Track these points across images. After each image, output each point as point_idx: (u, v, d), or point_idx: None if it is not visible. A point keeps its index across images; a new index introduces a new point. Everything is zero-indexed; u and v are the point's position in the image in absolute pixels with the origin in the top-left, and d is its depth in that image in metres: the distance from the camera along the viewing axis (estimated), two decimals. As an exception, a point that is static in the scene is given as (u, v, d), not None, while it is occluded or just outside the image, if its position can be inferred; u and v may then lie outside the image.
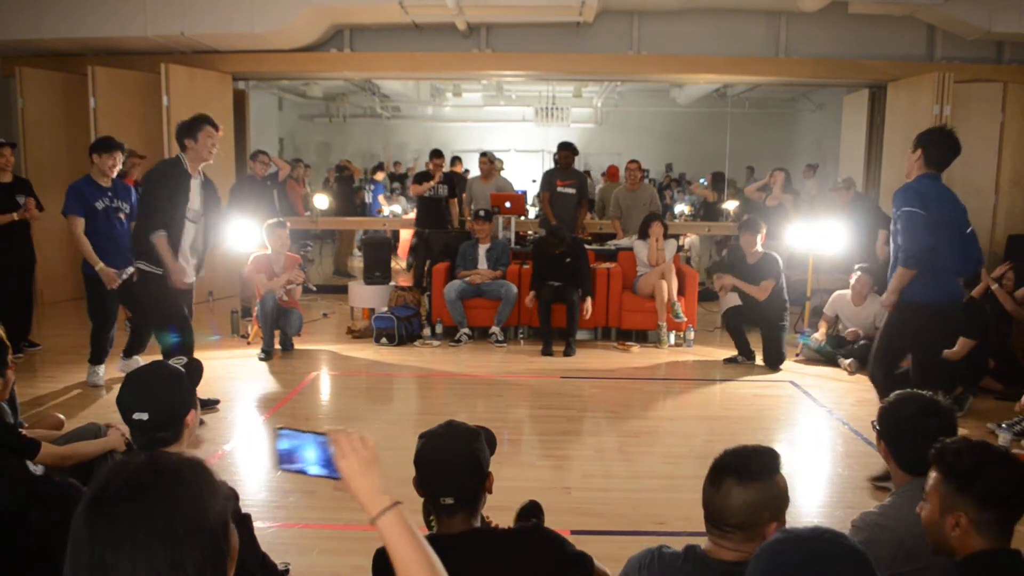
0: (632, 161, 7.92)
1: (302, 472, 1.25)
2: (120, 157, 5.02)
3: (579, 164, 16.00)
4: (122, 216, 5.08)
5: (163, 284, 4.27)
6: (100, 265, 4.89)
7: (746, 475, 1.57)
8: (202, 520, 0.93)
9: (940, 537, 1.62)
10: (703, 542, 1.68)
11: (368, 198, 11.68)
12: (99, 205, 4.97)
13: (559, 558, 1.70)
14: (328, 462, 1.22)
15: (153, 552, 0.89)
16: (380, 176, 12.08)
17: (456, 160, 10.17)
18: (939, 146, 3.65)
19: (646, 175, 9.71)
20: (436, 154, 7.85)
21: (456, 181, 8.36)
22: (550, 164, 14.25)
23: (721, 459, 1.64)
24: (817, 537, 1.17)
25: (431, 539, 1.66)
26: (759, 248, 5.91)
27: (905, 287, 3.59)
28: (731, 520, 1.57)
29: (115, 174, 5.05)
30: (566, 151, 7.59)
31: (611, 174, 10.43)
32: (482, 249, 6.73)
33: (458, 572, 1.57)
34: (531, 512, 2.54)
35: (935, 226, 3.49)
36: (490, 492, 1.72)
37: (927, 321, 3.62)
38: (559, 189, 7.54)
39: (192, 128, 4.27)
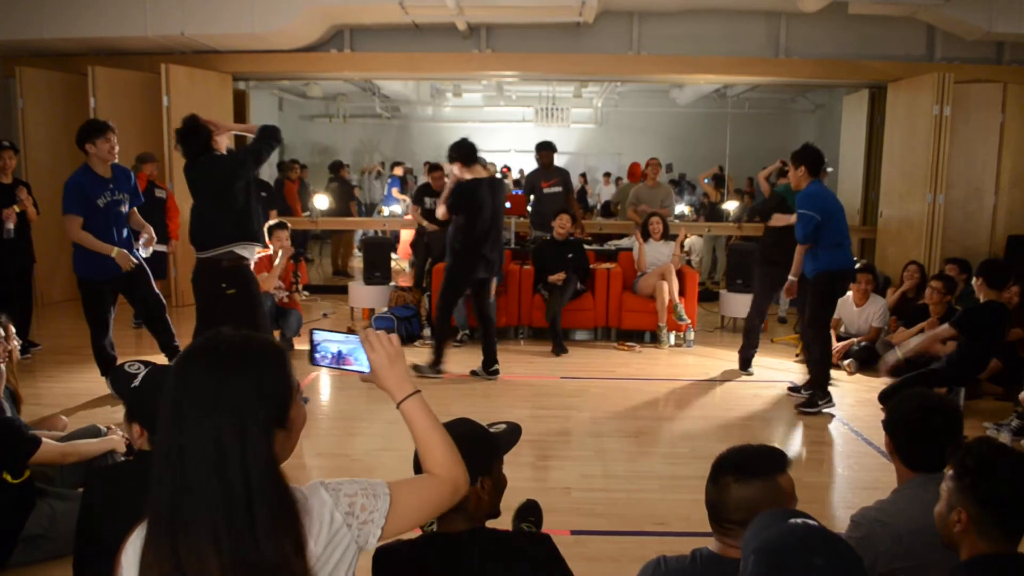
0: (653, 158, 7.94)
1: (331, 367, 1.44)
2: (113, 137, 4.61)
3: (579, 164, 16.18)
4: (122, 209, 4.68)
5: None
6: (115, 250, 4.56)
7: (744, 472, 1.60)
8: (268, 393, 1.15)
9: (946, 531, 1.64)
10: (706, 544, 1.69)
11: (385, 191, 11.70)
12: (101, 202, 4.57)
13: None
14: (356, 358, 1.41)
15: (219, 417, 1.11)
16: (399, 171, 12.05)
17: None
18: (813, 159, 4.78)
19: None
20: (435, 168, 7.79)
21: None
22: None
23: (723, 456, 1.67)
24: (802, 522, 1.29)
25: (428, 537, 1.66)
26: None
27: (811, 263, 4.78)
28: (731, 516, 1.59)
29: (115, 158, 4.63)
30: (546, 150, 7.53)
31: (633, 173, 10.35)
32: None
33: (451, 570, 1.55)
34: (528, 511, 2.53)
35: (829, 217, 4.67)
36: (487, 494, 1.65)
37: (828, 284, 4.78)
38: (545, 190, 7.51)
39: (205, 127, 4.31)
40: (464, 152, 5.33)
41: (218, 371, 1.14)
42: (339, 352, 1.44)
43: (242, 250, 4.33)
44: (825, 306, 4.88)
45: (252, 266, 4.46)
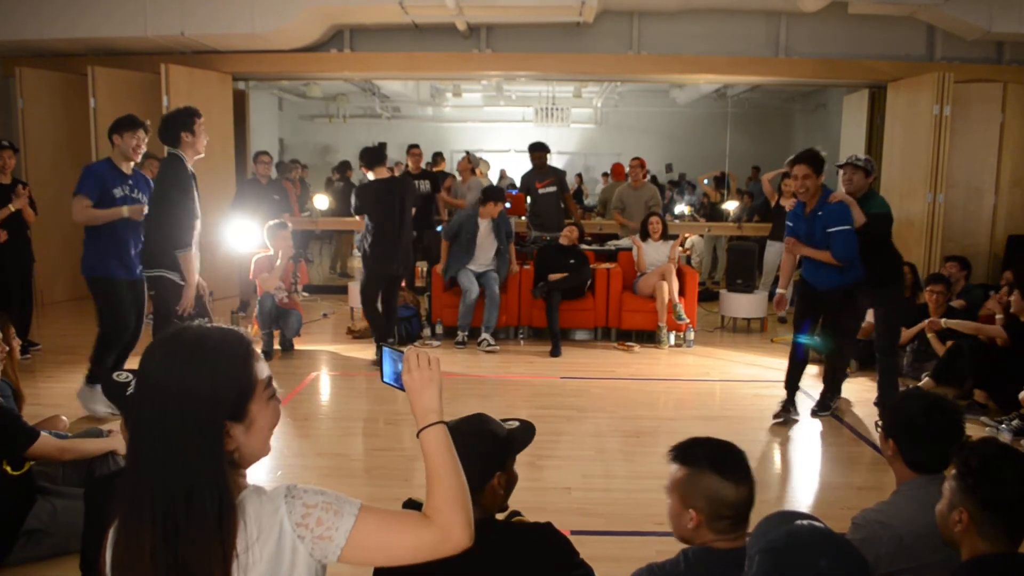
0: (635, 158, 7.92)
1: (389, 384, 1.44)
2: (144, 136, 4.45)
3: (579, 164, 16.16)
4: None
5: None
6: (125, 208, 4.35)
7: (749, 472, 1.70)
8: (220, 387, 1.15)
9: (946, 530, 1.65)
10: (667, 540, 1.76)
11: None
12: (117, 193, 4.39)
13: (564, 564, 1.72)
14: (400, 377, 1.39)
15: (168, 410, 1.12)
16: (398, 172, 12.10)
17: (439, 158, 10.14)
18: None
19: (647, 174, 9.69)
20: (413, 146, 7.86)
21: (438, 178, 8.35)
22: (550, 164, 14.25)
23: (733, 457, 1.71)
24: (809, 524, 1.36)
25: None
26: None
27: (837, 275, 4.40)
28: (751, 508, 1.68)
29: (140, 157, 4.52)
30: (539, 151, 7.57)
31: (616, 172, 10.40)
32: (483, 224, 6.49)
33: (460, 560, 1.57)
34: (513, 514, 2.54)
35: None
36: (502, 488, 1.74)
37: (854, 295, 4.57)
38: (540, 191, 7.54)
39: (188, 120, 4.16)
40: (368, 156, 5.66)
41: (171, 363, 1.16)
42: (394, 371, 1.43)
43: (169, 274, 4.20)
44: (853, 317, 4.74)
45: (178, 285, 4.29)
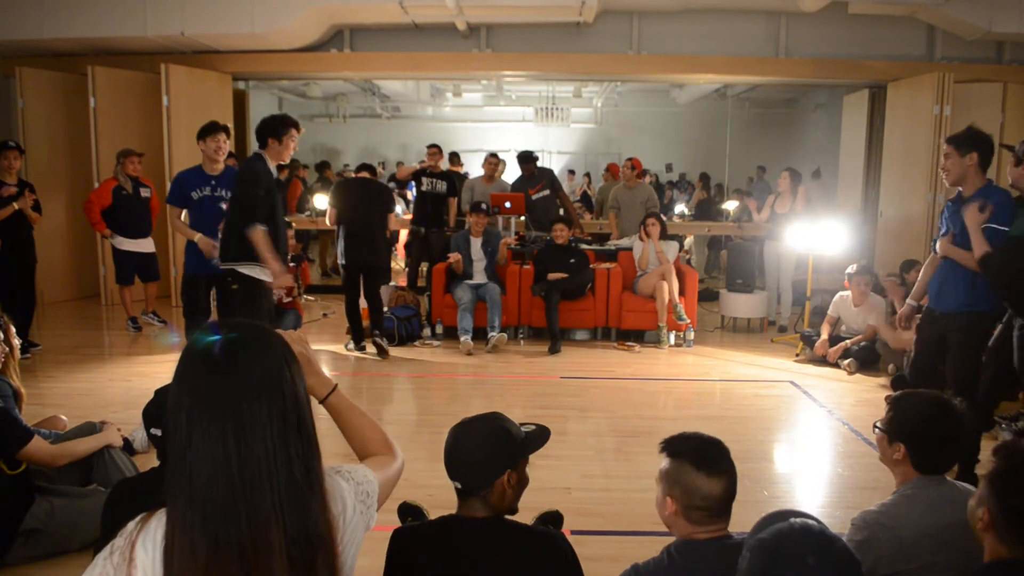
0: (629, 159, 7.91)
1: None
2: (224, 138, 4.95)
3: (579, 164, 16.18)
4: (224, 205, 4.88)
5: (260, 288, 4.11)
6: (197, 236, 4.87)
7: (727, 468, 1.73)
8: (301, 375, 1.20)
9: (973, 526, 1.62)
10: (667, 540, 1.76)
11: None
12: (195, 195, 4.97)
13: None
14: None
15: (281, 400, 1.13)
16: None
17: (455, 158, 10.12)
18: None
19: (646, 173, 9.70)
20: (431, 145, 7.87)
21: (455, 179, 8.33)
22: (550, 164, 14.27)
23: (713, 452, 1.74)
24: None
25: (448, 519, 1.75)
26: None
27: (967, 294, 3.41)
28: (727, 502, 1.71)
29: (222, 157, 5.00)
30: (528, 162, 7.72)
31: (614, 172, 10.41)
32: (475, 242, 6.66)
33: (467, 554, 1.63)
34: (551, 519, 2.55)
35: None
36: (511, 487, 1.76)
37: (986, 326, 3.61)
38: (533, 196, 7.61)
39: (281, 128, 4.14)
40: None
41: (268, 355, 1.16)
42: None
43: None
44: (979, 356, 3.51)
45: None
